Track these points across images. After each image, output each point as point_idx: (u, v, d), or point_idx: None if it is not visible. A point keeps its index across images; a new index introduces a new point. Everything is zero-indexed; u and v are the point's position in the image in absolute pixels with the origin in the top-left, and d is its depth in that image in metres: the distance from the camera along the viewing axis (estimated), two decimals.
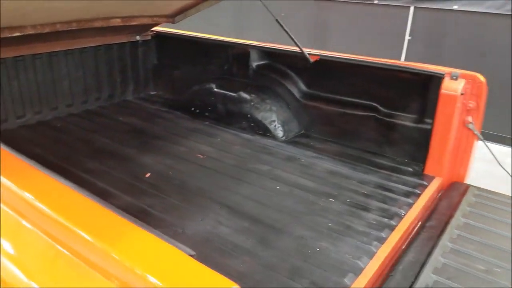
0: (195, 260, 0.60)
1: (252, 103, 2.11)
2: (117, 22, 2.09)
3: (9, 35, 1.71)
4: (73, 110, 2.28)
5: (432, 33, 3.58)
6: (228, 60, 2.31)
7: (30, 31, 1.77)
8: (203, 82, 2.33)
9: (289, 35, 1.94)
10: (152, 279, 0.56)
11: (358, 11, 3.87)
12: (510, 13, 3.18)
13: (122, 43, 2.45)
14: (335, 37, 4.07)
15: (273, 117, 2.07)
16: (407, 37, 3.67)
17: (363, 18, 3.85)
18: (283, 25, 1.96)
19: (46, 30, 1.82)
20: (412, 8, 3.59)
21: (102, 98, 2.43)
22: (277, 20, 1.99)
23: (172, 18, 2.31)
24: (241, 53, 2.23)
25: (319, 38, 4.07)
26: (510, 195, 1.58)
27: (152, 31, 2.55)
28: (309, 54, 1.93)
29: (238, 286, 0.56)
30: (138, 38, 2.50)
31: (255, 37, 2.59)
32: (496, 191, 1.61)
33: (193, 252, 0.61)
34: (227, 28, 4.67)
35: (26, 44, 2.00)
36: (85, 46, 2.27)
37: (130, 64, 2.53)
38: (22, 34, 1.75)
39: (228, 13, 4.69)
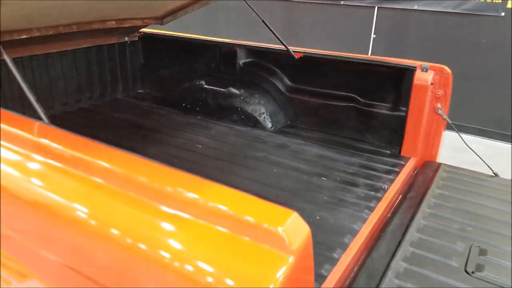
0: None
1: (242, 98, 2.28)
2: (112, 24, 2.21)
3: (17, 37, 1.81)
4: (68, 109, 2.37)
5: (395, 31, 3.87)
6: (215, 58, 2.47)
7: (35, 34, 1.87)
8: (191, 80, 2.48)
9: (274, 34, 2.13)
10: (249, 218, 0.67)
11: (325, 11, 4.11)
12: (465, 12, 3.51)
13: (111, 44, 2.56)
14: (305, 37, 4.29)
15: (262, 110, 2.26)
16: (372, 35, 3.94)
17: (330, 18, 4.09)
18: (269, 25, 2.15)
19: (50, 32, 1.93)
20: (376, 8, 3.86)
21: (94, 97, 2.53)
22: (263, 21, 2.18)
23: (161, 20, 2.45)
24: (228, 51, 2.40)
25: (289, 38, 4.28)
26: (474, 171, 1.83)
27: (139, 32, 2.67)
28: (293, 51, 2.13)
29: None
30: (126, 39, 2.62)
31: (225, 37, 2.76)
32: (463, 167, 1.87)
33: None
34: (198, 29, 4.80)
35: (25, 46, 2.09)
36: (79, 47, 2.37)
37: (119, 64, 2.64)
38: (28, 36, 1.84)
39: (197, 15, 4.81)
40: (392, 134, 2.04)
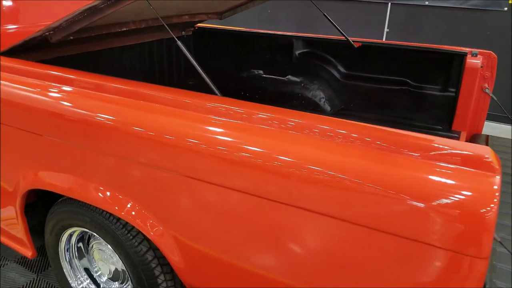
0: None
1: (302, 84, 2.53)
2: (186, 18, 2.42)
3: (119, 30, 2.00)
4: None
5: (407, 26, 4.20)
6: (270, 50, 2.70)
7: (132, 27, 2.06)
8: (246, 71, 2.71)
9: (335, 26, 2.39)
10: None
11: (341, 7, 4.40)
12: (473, 7, 3.87)
13: (169, 38, 2.76)
14: (321, 32, 4.57)
15: (322, 95, 2.51)
16: (385, 30, 4.26)
17: (345, 13, 4.39)
18: (330, 18, 2.41)
19: (143, 25, 2.12)
20: (389, 4, 4.18)
21: None
22: (324, 14, 2.43)
23: (221, 15, 2.67)
24: (285, 43, 2.64)
25: (307, 32, 4.55)
26: None
27: (194, 27, 2.88)
28: (353, 41, 2.40)
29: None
30: (183, 33, 2.82)
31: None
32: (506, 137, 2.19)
33: None
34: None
35: (99, 41, 2.26)
36: (146, 41, 2.56)
37: (175, 57, 2.84)
38: (127, 29, 2.04)
39: None
40: (442, 112, 2.33)
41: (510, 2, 3.72)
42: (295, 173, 1.02)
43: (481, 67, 2.14)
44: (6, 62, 1.65)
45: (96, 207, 1.46)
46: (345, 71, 2.57)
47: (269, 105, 1.23)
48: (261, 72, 2.64)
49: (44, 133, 1.45)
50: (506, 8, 3.76)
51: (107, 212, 1.45)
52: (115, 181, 1.35)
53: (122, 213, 1.34)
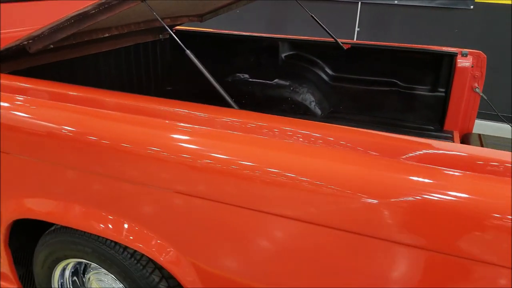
0: None
1: (291, 88, 2.46)
2: (167, 22, 2.27)
3: (101, 36, 1.83)
4: None
5: (377, 25, 4.24)
6: (254, 53, 2.61)
7: (114, 32, 1.90)
8: (229, 75, 2.60)
9: (324, 28, 2.33)
10: None
11: (313, 7, 4.37)
12: (440, 6, 3.95)
13: (146, 42, 2.60)
14: (292, 32, 4.52)
15: (312, 98, 2.45)
16: (356, 29, 4.28)
17: (317, 13, 4.35)
18: (319, 21, 2.35)
19: (125, 30, 1.96)
20: (359, 4, 4.20)
21: None
22: (312, 16, 2.37)
23: (201, 17, 2.54)
24: (270, 45, 2.55)
25: (277, 33, 4.49)
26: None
27: (173, 29, 2.73)
28: (342, 43, 2.35)
29: None
30: (161, 36, 2.67)
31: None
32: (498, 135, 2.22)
33: None
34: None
35: (80, 47, 2.09)
36: (123, 46, 2.39)
37: (152, 62, 2.68)
38: (109, 35, 1.87)
39: None
40: (432, 113, 2.34)
41: (476, 0, 3.83)
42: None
43: (472, 67, 2.15)
44: None
45: (99, 236, 1.32)
46: (333, 73, 2.52)
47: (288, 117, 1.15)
48: (246, 76, 2.55)
49: (30, 155, 1.28)
50: (472, 6, 3.87)
51: (111, 241, 1.31)
52: (119, 206, 1.22)
53: (137, 244, 1.21)
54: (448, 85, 2.22)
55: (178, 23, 2.38)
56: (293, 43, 2.53)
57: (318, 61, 2.51)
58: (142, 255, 1.30)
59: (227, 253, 1.14)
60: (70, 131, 1.19)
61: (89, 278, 1.54)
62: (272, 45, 2.54)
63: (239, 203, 1.04)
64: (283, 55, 2.55)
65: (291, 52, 2.56)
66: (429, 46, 2.28)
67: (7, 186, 1.38)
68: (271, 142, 1.05)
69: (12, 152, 1.31)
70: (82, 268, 1.54)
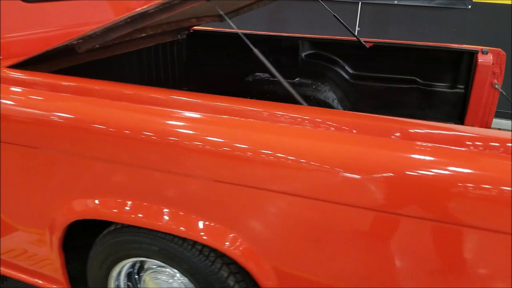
0: None
1: (313, 87, 2.49)
2: (193, 22, 2.27)
3: (139, 36, 1.82)
4: None
5: (378, 24, 4.32)
6: (274, 52, 2.63)
7: (149, 32, 1.90)
8: (250, 74, 2.62)
9: (346, 27, 2.38)
10: None
11: (314, 7, 4.42)
12: (439, 5, 4.06)
13: (165, 43, 2.59)
14: (293, 32, 4.57)
15: (334, 96, 2.49)
16: (357, 28, 4.35)
17: (319, 12, 4.42)
18: (342, 21, 2.39)
19: (159, 31, 1.95)
20: (360, 4, 4.27)
21: None
22: (334, 15, 2.41)
23: (222, 17, 2.54)
24: (290, 45, 2.58)
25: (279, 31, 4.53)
26: None
27: (190, 30, 2.73)
28: (365, 42, 2.40)
29: None
30: (179, 37, 2.66)
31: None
32: None
33: None
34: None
35: (111, 48, 2.07)
36: (146, 46, 2.38)
37: (170, 62, 2.68)
38: (145, 35, 1.87)
39: None
40: (452, 109, 2.41)
41: (473, 0, 3.95)
42: None
43: (492, 64, 2.23)
44: (26, 75, 1.44)
45: (166, 234, 1.32)
46: (353, 71, 2.56)
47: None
48: (267, 75, 2.56)
49: (97, 155, 1.28)
50: (470, 6, 3.99)
51: (179, 238, 1.31)
52: (190, 203, 1.23)
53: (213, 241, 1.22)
54: (468, 82, 2.29)
55: (202, 22, 2.38)
56: (313, 42, 2.57)
57: (338, 59, 2.55)
58: (210, 251, 1.31)
59: (301, 246, 1.16)
60: (143, 134, 1.20)
61: (144, 280, 1.54)
62: (292, 44, 2.57)
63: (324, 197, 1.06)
64: (303, 54, 2.58)
65: (311, 51, 2.59)
66: (449, 44, 2.35)
67: (67, 186, 1.37)
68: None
69: (76, 153, 1.30)
70: (136, 269, 1.54)
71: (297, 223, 1.12)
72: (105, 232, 1.43)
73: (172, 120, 1.21)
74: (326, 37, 2.52)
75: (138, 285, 1.56)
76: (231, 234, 1.22)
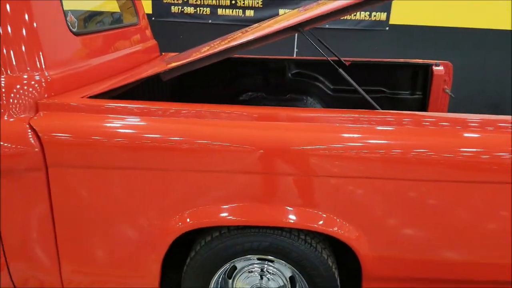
0: None
1: (304, 101, 2.85)
2: None
3: None
4: None
5: (312, 46, 4.87)
6: (264, 73, 2.94)
7: None
8: (243, 94, 2.90)
9: (330, 50, 2.80)
10: None
11: None
12: (362, 28, 4.75)
13: None
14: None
15: (320, 107, 2.88)
16: (295, 50, 4.86)
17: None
18: (323, 42, 2.80)
19: None
20: None
21: None
22: (319, 39, 2.81)
23: None
24: (278, 66, 2.92)
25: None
26: None
27: None
28: (344, 61, 2.84)
29: None
30: None
31: None
32: None
33: None
34: None
35: None
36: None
37: (161, 87, 2.83)
38: None
39: None
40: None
41: (391, 22, 4.72)
42: None
43: (444, 73, 2.82)
44: (119, 103, 1.56)
45: (275, 229, 1.55)
46: (333, 86, 2.99)
47: None
48: (262, 93, 2.87)
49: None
50: (387, 28, 4.75)
51: (286, 231, 1.56)
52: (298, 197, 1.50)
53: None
54: (425, 89, 2.86)
55: None
56: (298, 63, 2.95)
57: (319, 77, 2.96)
58: (313, 238, 1.58)
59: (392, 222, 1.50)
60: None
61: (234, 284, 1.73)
62: (280, 65, 2.91)
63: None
64: (289, 74, 2.94)
65: (296, 71, 2.96)
66: (408, 60, 2.91)
67: (173, 200, 1.53)
68: None
69: (188, 169, 1.48)
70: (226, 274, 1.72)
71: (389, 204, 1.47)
72: (208, 239, 1.60)
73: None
74: (308, 58, 2.92)
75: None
76: (337, 220, 1.51)
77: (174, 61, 2.00)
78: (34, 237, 1.59)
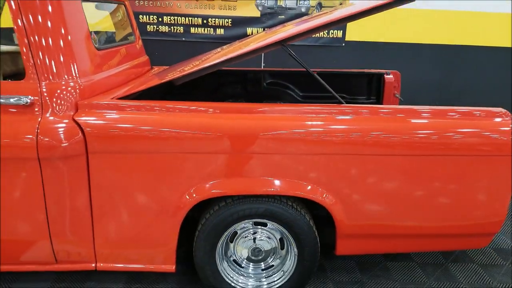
0: None
1: None
2: None
3: None
4: None
5: (277, 60, 5.39)
6: (242, 82, 3.39)
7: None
8: (224, 101, 3.33)
9: (298, 61, 3.29)
10: None
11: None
12: (322, 44, 5.32)
13: None
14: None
15: None
16: (262, 64, 5.35)
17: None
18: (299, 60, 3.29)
19: None
20: None
21: None
22: (290, 54, 3.30)
23: None
24: (254, 76, 3.37)
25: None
26: None
27: None
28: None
29: None
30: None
31: None
32: None
33: None
34: None
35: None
36: None
37: None
38: None
39: None
40: None
41: (347, 39, 5.32)
42: None
43: (394, 80, 3.38)
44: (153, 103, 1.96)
45: (269, 197, 1.99)
46: (302, 93, 3.48)
47: None
48: (242, 100, 3.31)
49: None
50: (343, 44, 5.35)
51: (277, 198, 1.99)
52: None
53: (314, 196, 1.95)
54: (379, 94, 3.40)
55: None
56: (272, 73, 3.42)
57: (289, 85, 3.45)
58: (298, 204, 2.02)
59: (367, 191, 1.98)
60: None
61: (234, 246, 2.15)
62: (256, 76, 3.38)
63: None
64: (265, 83, 3.41)
65: (270, 80, 3.43)
66: (364, 70, 3.45)
67: (193, 176, 1.93)
68: None
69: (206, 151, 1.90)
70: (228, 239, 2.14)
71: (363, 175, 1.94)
72: (216, 208, 2.01)
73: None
74: (281, 69, 3.40)
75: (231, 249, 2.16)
76: (319, 189, 1.97)
77: (173, 71, 2.41)
78: (75, 215, 1.94)
